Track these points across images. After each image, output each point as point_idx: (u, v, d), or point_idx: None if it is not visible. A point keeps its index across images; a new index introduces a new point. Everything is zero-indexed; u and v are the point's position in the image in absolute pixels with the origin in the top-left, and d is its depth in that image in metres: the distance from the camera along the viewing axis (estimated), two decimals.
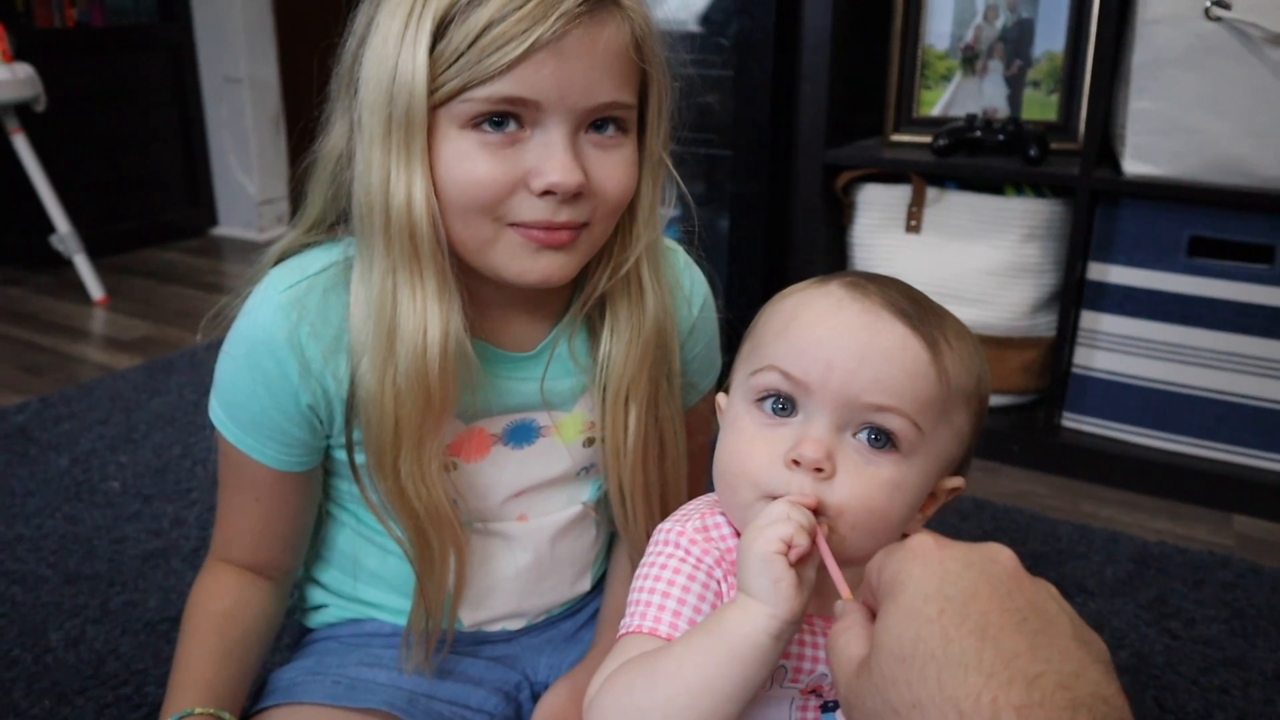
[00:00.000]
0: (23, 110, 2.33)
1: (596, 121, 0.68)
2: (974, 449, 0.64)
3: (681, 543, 0.62)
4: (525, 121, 0.65)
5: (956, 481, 0.62)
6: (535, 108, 0.65)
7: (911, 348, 0.57)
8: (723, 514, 0.64)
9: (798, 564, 0.54)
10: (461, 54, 0.63)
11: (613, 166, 0.69)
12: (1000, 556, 0.47)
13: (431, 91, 0.64)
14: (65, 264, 2.48)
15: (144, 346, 2.17)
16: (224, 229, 3.19)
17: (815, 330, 0.58)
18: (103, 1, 2.82)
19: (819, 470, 0.56)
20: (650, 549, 0.64)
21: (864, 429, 0.57)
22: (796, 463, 0.57)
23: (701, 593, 0.60)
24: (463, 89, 0.64)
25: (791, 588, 0.53)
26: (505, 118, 0.65)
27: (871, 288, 0.60)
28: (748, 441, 0.60)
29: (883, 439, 0.57)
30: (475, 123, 0.65)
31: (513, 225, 0.67)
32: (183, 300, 2.51)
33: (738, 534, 0.62)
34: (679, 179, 0.77)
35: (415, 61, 0.63)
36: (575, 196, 0.67)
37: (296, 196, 0.78)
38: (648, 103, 0.72)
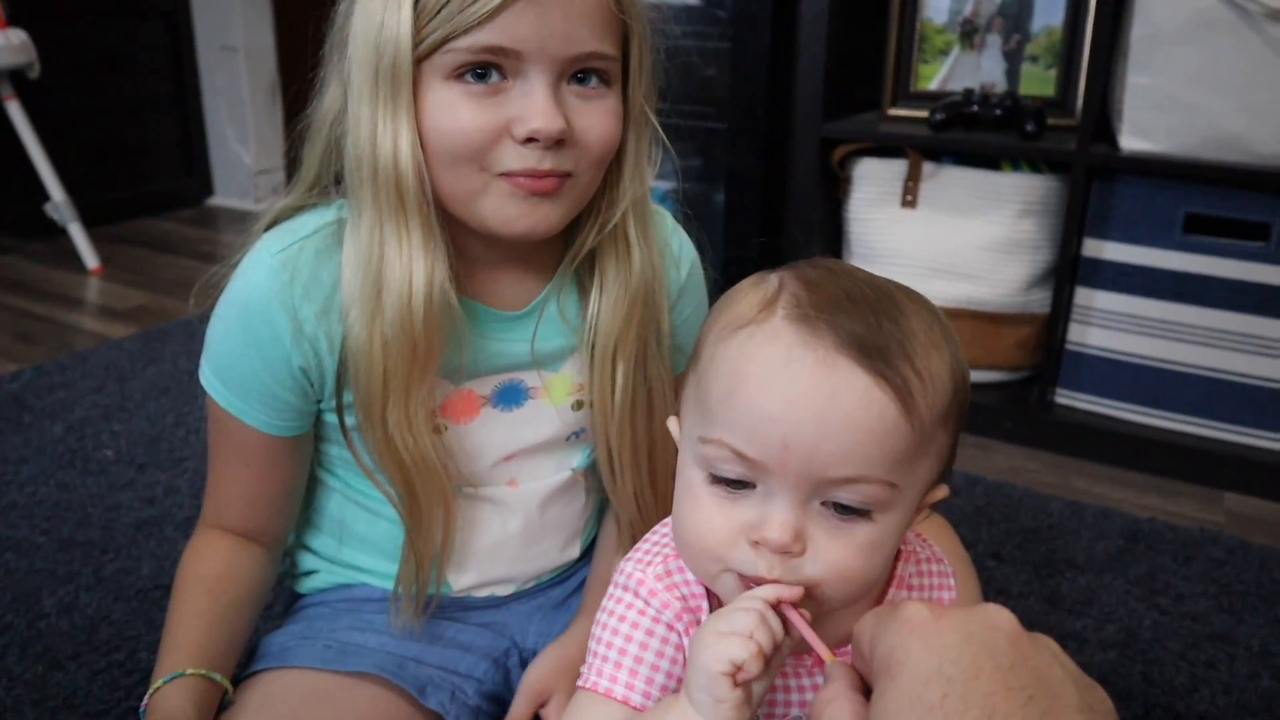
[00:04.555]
0: (16, 77, 2.31)
1: (579, 74, 0.69)
2: (956, 449, 0.59)
3: (641, 592, 0.59)
4: (507, 71, 0.67)
5: (941, 493, 0.58)
6: (516, 57, 0.66)
7: (877, 403, 0.51)
8: None
9: (747, 681, 0.51)
10: (443, 5, 0.64)
11: (595, 115, 0.70)
12: (999, 621, 0.45)
13: (416, 45, 0.65)
14: (60, 232, 2.47)
15: (138, 316, 2.17)
16: (219, 199, 3.18)
17: (764, 402, 0.51)
18: None
19: (785, 552, 0.53)
20: (612, 588, 0.61)
21: (830, 500, 0.53)
22: (759, 543, 0.53)
23: (660, 649, 0.59)
24: (445, 40, 0.65)
25: (734, 709, 0.51)
26: (487, 68, 0.66)
27: (822, 320, 0.52)
28: (706, 517, 0.55)
29: (849, 509, 0.53)
30: (459, 74, 0.66)
31: (500, 175, 0.68)
32: (178, 270, 2.50)
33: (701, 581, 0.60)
34: (666, 140, 0.77)
35: (400, 15, 0.65)
36: (559, 144, 0.68)
37: (292, 166, 0.79)
38: (630, 56, 0.72)
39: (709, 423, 0.54)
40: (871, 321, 0.52)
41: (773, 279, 0.57)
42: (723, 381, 0.53)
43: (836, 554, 0.53)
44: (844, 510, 0.53)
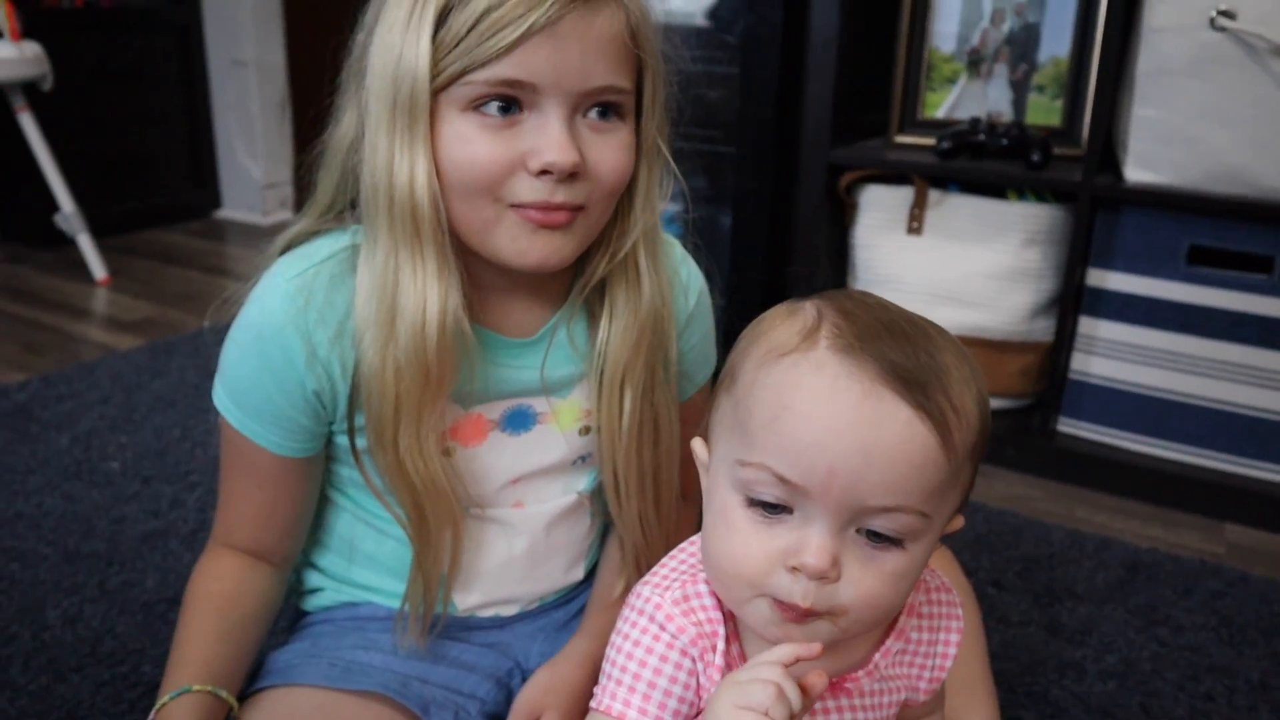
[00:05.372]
0: (29, 89, 2.34)
1: (593, 105, 0.70)
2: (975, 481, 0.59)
3: (658, 617, 0.59)
4: (523, 104, 0.68)
5: (958, 524, 0.59)
6: (532, 90, 0.67)
7: (919, 436, 0.52)
8: (706, 582, 0.61)
9: None
10: (461, 39, 0.66)
11: (609, 149, 0.71)
12: None
13: (434, 76, 0.66)
14: (69, 243, 2.49)
15: (145, 328, 2.18)
16: (228, 212, 3.20)
17: (811, 429, 0.52)
18: None
19: (822, 578, 0.53)
20: (628, 612, 0.62)
21: (866, 528, 0.54)
22: (797, 569, 0.54)
23: (674, 674, 0.59)
24: (463, 72, 0.66)
25: None
26: (504, 100, 0.67)
27: (866, 351, 0.53)
28: (741, 541, 0.55)
29: (884, 537, 0.54)
30: (475, 105, 0.68)
31: (513, 207, 0.69)
32: (185, 282, 2.51)
33: (720, 606, 0.60)
34: (676, 170, 0.79)
35: (419, 47, 0.66)
36: (572, 177, 0.69)
37: (300, 181, 0.80)
38: (643, 90, 0.73)
39: (750, 447, 0.54)
40: (911, 354, 0.53)
41: (809, 308, 0.57)
42: (767, 407, 0.54)
43: (868, 582, 0.54)
44: (877, 538, 0.54)
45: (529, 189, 0.69)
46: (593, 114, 0.70)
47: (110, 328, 2.19)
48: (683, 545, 0.65)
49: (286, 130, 3.14)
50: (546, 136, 0.67)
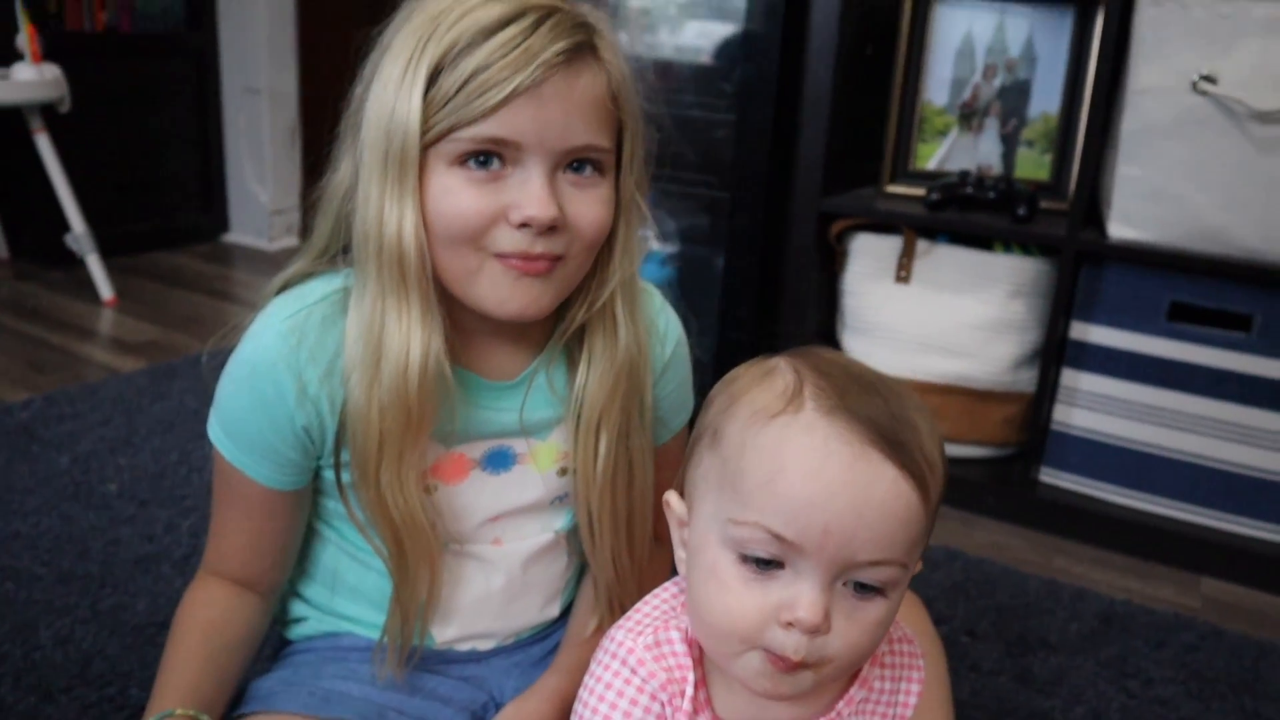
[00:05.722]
0: (47, 110, 2.39)
1: (574, 162, 0.74)
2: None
3: (630, 661, 0.62)
4: (507, 160, 0.72)
5: (918, 568, 0.62)
6: (516, 147, 0.71)
7: (904, 494, 0.56)
8: (678, 629, 0.64)
9: None
10: (451, 98, 0.70)
11: (588, 204, 0.75)
12: None
13: (424, 132, 0.70)
14: (78, 263, 2.53)
15: (149, 350, 2.21)
16: (235, 236, 3.24)
17: (807, 490, 0.55)
18: (132, 7, 2.89)
19: (815, 632, 0.56)
20: (601, 654, 0.64)
21: (853, 580, 0.57)
22: (791, 624, 0.56)
23: (642, 717, 0.62)
24: (451, 129, 0.70)
25: None
26: (489, 156, 0.71)
27: (851, 413, 0.56)
28: (736, 598, 0.57)
29: (870, 589, 0.57)
30: (462, 160, 0.71)
31: (495, 256, 0.73)
32: (190, 305, 2.56)
33: (690, 652, 0.63)
34: (649, 215, 0.82)
35: (410, 104, 0.70)
36: (551, 230, 0.73)
37: (308, 208, 0.84)
38: (623, 147, 0.77)
39: (744, 506, 0.57)
40: (888, 413, 0.57)
41: (785, 369, 0.61)
42: (761, 469, 0.57)
43: (853, 633, 0.57)
44: (863, 590, 0.57)
45: (510, 240, 0.72)
46: (573, 170, 0.74)
47: (115, 349, 2.23)
48: (657, 591, 0.68)
49: (296, 158, 3.20)
50: (528, 192, 0.71)
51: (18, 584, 1.28)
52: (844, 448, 0.55)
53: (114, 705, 1.07)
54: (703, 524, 0.61)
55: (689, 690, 0.62)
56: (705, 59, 1.91)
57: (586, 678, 0.64)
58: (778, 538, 0.56)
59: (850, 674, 0.66)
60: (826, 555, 0.55)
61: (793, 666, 0.57)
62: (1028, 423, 1.70)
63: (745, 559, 0.57)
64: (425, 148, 0.71)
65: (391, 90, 0.71)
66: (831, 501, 0.55)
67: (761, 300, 1.84)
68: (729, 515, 0.58)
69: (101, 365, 2.12)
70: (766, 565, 0.57)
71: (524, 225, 0.72)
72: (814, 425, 0.57)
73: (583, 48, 0.72)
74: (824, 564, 0.55)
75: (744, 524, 0.57)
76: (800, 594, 0.56)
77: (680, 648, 0.63)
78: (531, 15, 0.70)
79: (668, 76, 1.86)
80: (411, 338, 0.73)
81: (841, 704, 0.65)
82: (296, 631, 0.91)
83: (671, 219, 1.92)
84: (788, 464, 0.56)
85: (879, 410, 0.57)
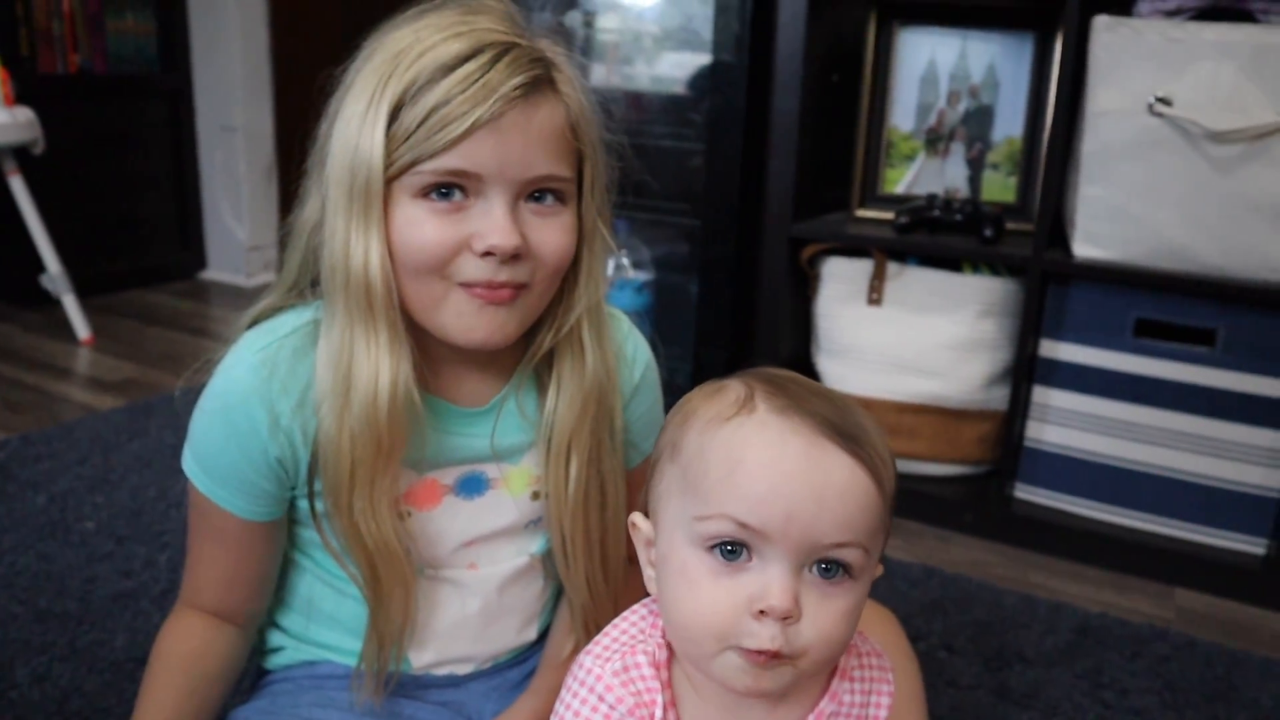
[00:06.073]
0: (21, 152, 2.39)
1: (536, 192, 0.76)
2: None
3: (597, 688, 0.63)
4: (469, 191, 0.73)
5: (879, 571, 0.64)
6: (477, 179, 0.73)
7: (860, 480, 0.58)
8: (645, 654, 0.64)
9: None
10: (412, 133, 0.71)
11: (550, 231, 0.76)
12: None
13: (387, 166, 0.72)
14: (54, 303, 2.53)
15: (127, 388, 2.21)
16: (212, 273, 3.25)
17: (768, 476, 0.57)
18: (106, 49, 2.90)
19: (787, 618, 0.57)
20: (570, 681, 0.65)
21: (819, 564, 0.58)
22: (763, 613, 0.57)
23: None
24: (414, 163, 0.72)
25: None
26: (451, 188, 0.73)
27: (801, 411, 0.59)
28: (707, 594, 0.59)
29: (837, 570, 0.59)
30: (425, 192, 0.73)
31: (460, 286, 0.75)
32: (167, 343, 2.55)
33: (658, 675, 0.63)
34: (612, 244, 0.84)
35: (373, 140, 0.72)
36: (515, 258, 0.74)
37: (285, 244, 0.85)
38: (584, 176, 0.79)
39: (706, 502, 0.59)
40: (839, 413, 0.60)
41: (735, 383, 0.63)
42: (720, 464, 0.59)
43: (825, 623, 0.58)
44: (830, 573, 0.58)
45: (474, 269, 0.74)
46: (535, 200, 0.76)
47: (92, 388, 2.23)
48: (626, 614, 0.69)
49: (273, 194, 3.21)
50: (490, 221, 0.73)
51: None
52: (798, 438, 0.58)
53: None
54: (668, 531, 0.62)
55: (658, 713, 0.63)
56: (676, 89, 1.95)
57: (557, 705, 0.65)
58: (743, 525, 0.57)
59: (823, 681, 0.67)
60: (791, 540, 0.57)
61: (770, 658, 0.58)
62: (1001, 440, 1.72)
63: (713, 551, 0.59)
64: (389, 181, 0.73)
65: (355, 126, 0.73)
66: (790, 486, 0.57)
67: (736, 325, 1.86)
68: (694, 514, 0.59)
69: (78, 404, 2.11)
70: (734, 556, 0.58)
71: (488, 254, 0.73)
72: (767, 422, 0.59)
73: (540, 81, 0.74)
74: (789, 549, 0.57)
75: (709, 518, 0.59)
76: (770, 581, 0.57)
77: (648, 671, 0.64)
78: (490, 51, 0.72)
79: (640, 108, 1.89)
80: (380, 366, 0.75)
81: (811, 718, 0.66)
82: (274, 661, 0.91)
83: (646, 247, 1.94)
84: (746, 456, 0.58)
85: (829, 410, 0.60)
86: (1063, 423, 1.65)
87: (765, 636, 0.57)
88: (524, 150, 0.73)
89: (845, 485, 0.58)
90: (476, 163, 0.72)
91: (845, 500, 0.57)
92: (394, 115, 0.72)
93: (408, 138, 0.71)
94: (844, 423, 0.59)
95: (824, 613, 0.58)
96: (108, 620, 1.29)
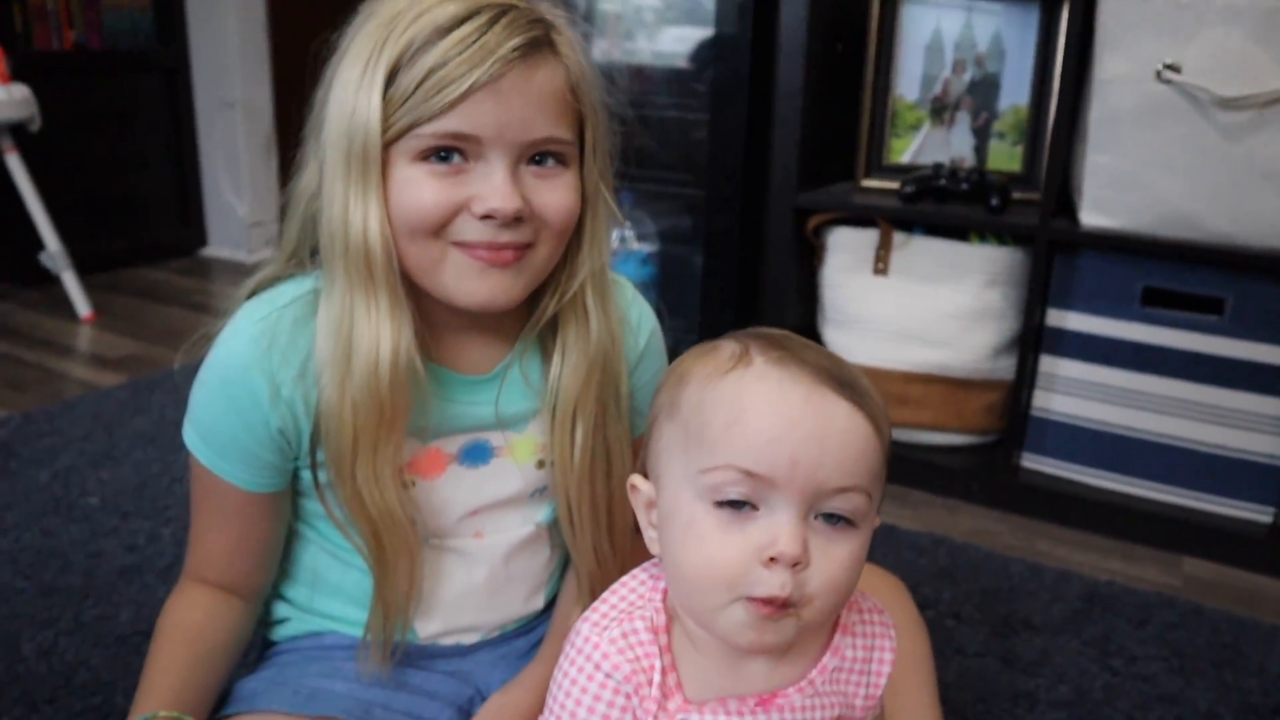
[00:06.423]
0: (18, 130, 2.38)
1: (537, 155, 0.74)
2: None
3: (594, 656, 0.62)
4: (469, 155, 0.72)
5: (877, 521, 0.63)
6: (477, 142, 0.72)
7: (860, 425, 0.58)
8: (642, 619, 0.64)
9: None
10: (409, 96, 0.70)
11: (553, 191, 0.75)
12: None
13: (385, 130, 0.71)
14: (54, 281, 2.52)
15: (129, 364, 2.20)
16: (213, 249, 3.24)
17: (771, 424, 0.57)
18: (101, 24, 2.88)
19: (796, 564, 0.57)
20: (569, 649, 0.64)
21: (824, 511, 0.58)
22: (774, 560, 0.57)
23: (606, 712, 0.62)
24: (411, 126, 0.71)
25: None
26: (450, 152, 0.72)
27: (798, 361, 0.60)
28: (715, 545, 0.58)
29: (840, 518, 0.59)
30: (424, 156, 0.72)
31: (456, 245, 0.74)
32: (169, 319, 2.55)
33: (656, 640, 0.63)
34: (617, 212, 0.83)
35: (370, 104, 0.71)
36: (516, 221, 0.73)
37: (284, 216, 0.83)
38: (585, 138, 0.78)
39: (710, 454, 0.59)
40: (834, 363, 0.61)
41: (728, 342, 0.63)
42: (723, 415, 0.59)
43: (832, 569, 0.58)
44: (834, 520, 0.59)
45: (474, 230, 0.73)
46: (535, 163, 0.75)
47: (93, 365, 2.22)
48: (624, 580, 0.68)
49: (272, 169, 3.19)
50: (490, 184, 0.72)
51: (0, 598, 1.27)
52: (798, 386, 0.58)
53: (99, 714, 1.07)
54: (672, 488, 0.62)
55: (656, 678, 0.62)
56: (680, 62, 1.93)
57: (556, 673, 0.64)
58: (749, 474, 0.57)
59: (825, 636, 0.67)
60: (797, 485, 0.57)
61: (778, 608, 0.58)
62: (1008, 409, 1.72)
63: (720, 505, 0.59)
64: (387, 145, 0.72)
65: (351, 91, 0.72)
66: (794, 433, 0.57)
67: (741, 296, 1.85)
68: (698, 467, 0.59)
69: (80, 381, 2.11)
70: (741, 507, 0.58)
71: (487, 217, 0.72)
72: (766, 373, 0.59)
73: (539, 42, 0.73)
74: (795, 495, 0.57)
75: (714, 469, 0.58)
76: (778, 529, 0.57)
77: (646, 636, 0.63)
78: (487, 13, 0.71)
79: (643, 79, 1.87)
80: (381, 333, 0.74)
81: (814, 672, 0.66)
82: (280, 632, 0.91)
83: (651, 219, 1.93)
84: (747, 406, 0.58)
85: (825, 360, 0.61)
86: (1070, 392, 1.64)
87: (775, 584, 0.57)
88: (524, 112, 0.72)
89: (846, 430, 0.58)
90: (476, 125, 0.71)
91: (847, 445, 0.58)
92: (391, 78, 0.71)
93: (405, 101, 0.70)
94: (840, 372, 0.60)
95: (830, 559, 0.59)
96: (113, 594, 1.29)
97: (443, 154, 0.72)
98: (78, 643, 1.19)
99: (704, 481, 0.59)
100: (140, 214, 3.06)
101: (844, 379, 0.60)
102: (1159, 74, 1.42)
